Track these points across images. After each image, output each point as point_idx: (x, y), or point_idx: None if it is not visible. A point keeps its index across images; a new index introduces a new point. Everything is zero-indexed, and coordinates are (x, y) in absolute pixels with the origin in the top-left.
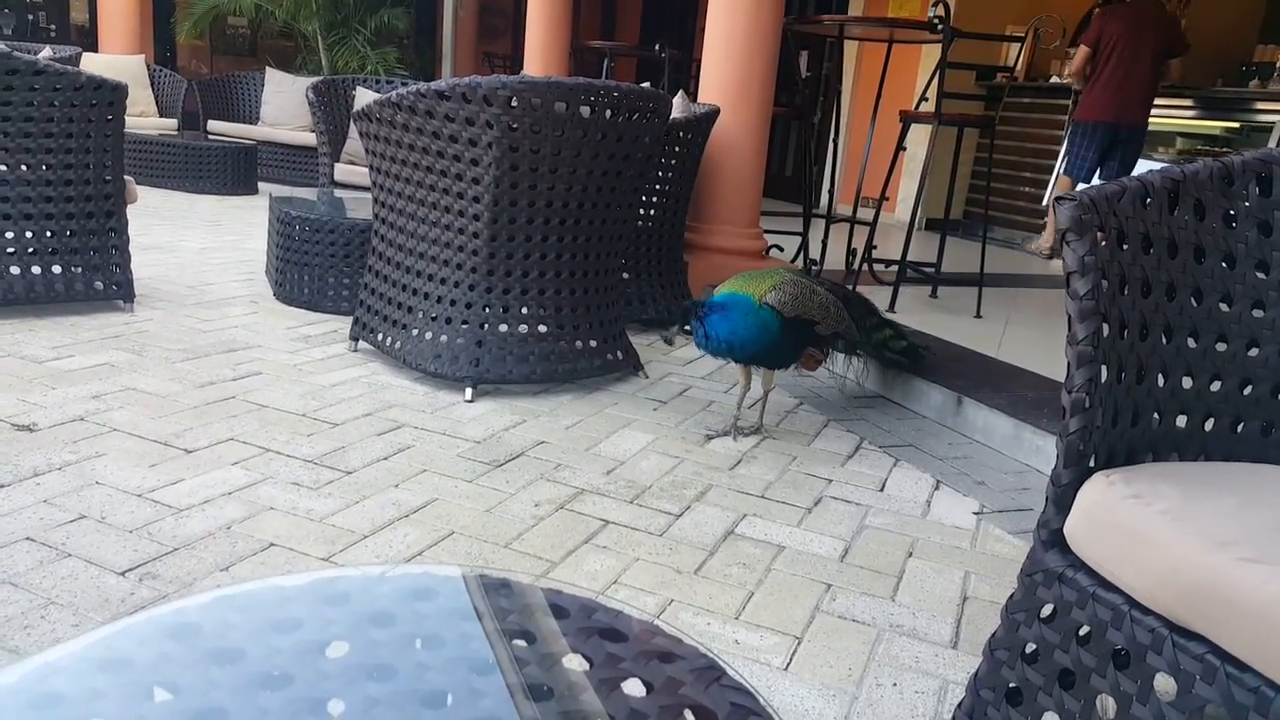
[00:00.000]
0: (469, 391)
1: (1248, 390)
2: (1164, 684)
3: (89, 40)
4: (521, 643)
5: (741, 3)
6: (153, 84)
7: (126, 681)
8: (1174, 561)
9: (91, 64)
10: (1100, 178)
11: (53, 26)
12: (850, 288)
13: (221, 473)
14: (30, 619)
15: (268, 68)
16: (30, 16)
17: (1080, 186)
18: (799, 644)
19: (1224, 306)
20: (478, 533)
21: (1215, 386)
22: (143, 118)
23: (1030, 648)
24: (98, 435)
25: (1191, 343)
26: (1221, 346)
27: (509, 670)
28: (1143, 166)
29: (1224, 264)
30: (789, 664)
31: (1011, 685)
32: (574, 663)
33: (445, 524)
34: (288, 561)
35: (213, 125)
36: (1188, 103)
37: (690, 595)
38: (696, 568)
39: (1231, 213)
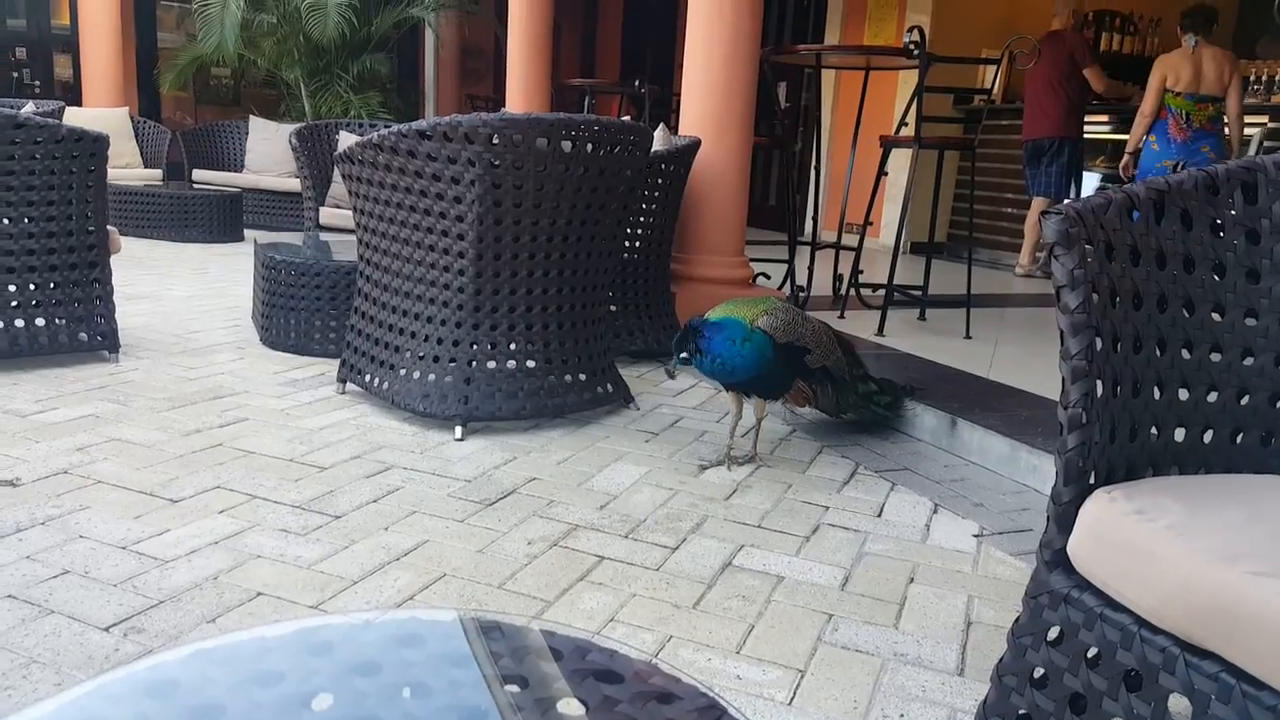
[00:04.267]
0: (458, 430)
1: (1245, 400)
2: (1178, 705)
3: (73, 95)
4: (514, 688)
5: (718, 36)
6: (137, 136)
7: None
8: (1182, 578)
9: (76, 117)
10: (1050, 184)
11: (37, 83)
12: (839, 316)
13: (208, 522)
14: (11, 679)
15: (251, 116)
16: (15, 74)
17: (1037, 199)
18: (802, 677)
19: (1216, 316)
20: (470, 574)
21: (1212, 397)
22: (128, 169)
23: (1039, 672)
24: (82, 488)
25: (1186, 354)
26: (1216, 357)
27: (502, 717)
28: (1090, 181)
29: (1214, 274)
30: (793, 698)
31: (1021, 712)
32: (570, 707)
33: (437, 566)
34: (276, 610)
35: (198, 174)
36: None
37: (690, 630)
38: (695, 602)
39: (1219, 222)
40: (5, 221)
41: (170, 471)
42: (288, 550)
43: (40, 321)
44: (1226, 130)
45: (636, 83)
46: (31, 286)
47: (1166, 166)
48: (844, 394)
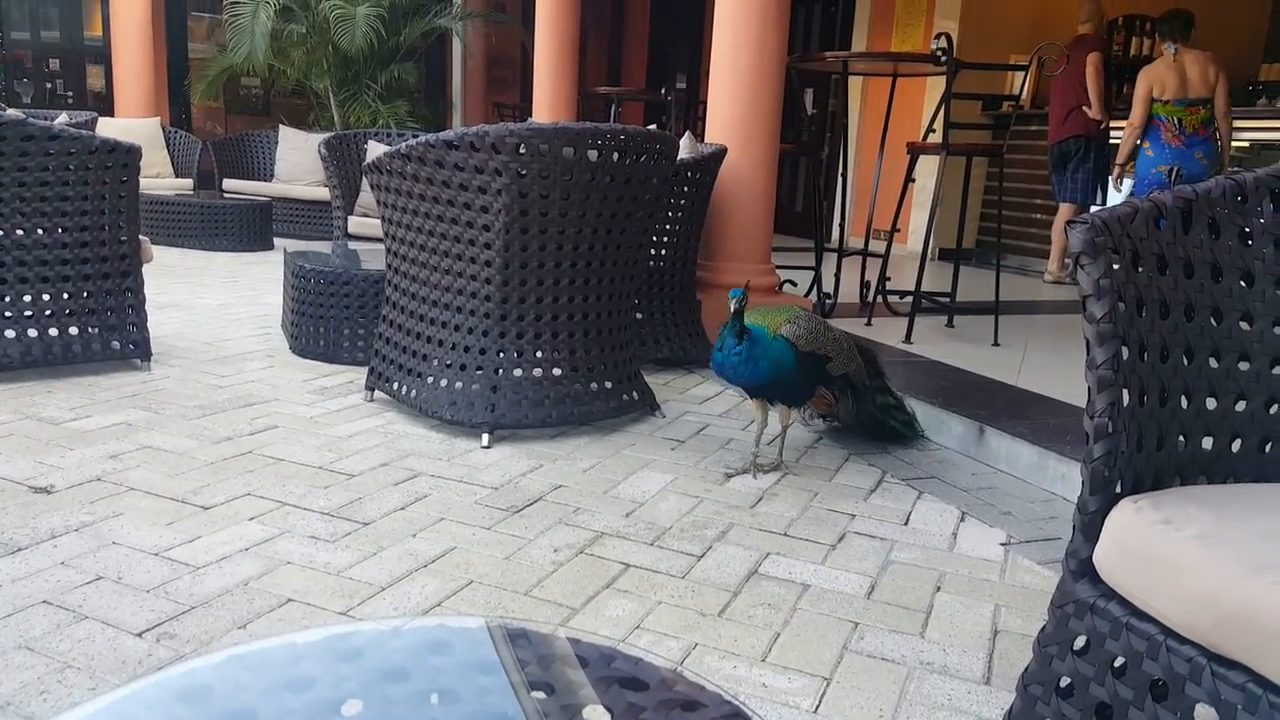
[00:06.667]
0: (485, 437)
1: (1274, 409)
2: (1205, 715)
3: (106, 106)
4: (540, 694)
5: (745, 43)
6: (168, 145)
7: None
8: (1209, 588)
9: (108, 128)
10: (1076, 190)
11: (70, 94)
12: (866, 323)
13: (239, 528)
14: (47, 684)
15: (281, 126)
16: (49, 85)
17: (1064, 205)
18: (828, 685)
19: (1245, 325)
20: (497, 581)
21: (1240, 406)
22: (159, 179)
23: (1065, 682)
24: (115, 495)
25: (1213, 363)
26: (1244, 366)
27: None
28: (1127, 185)
29: (1242, 282)
30: (818, 706)
31: None
32: (595, 714)
33: (464, 573)
34: (305, 617)
35: (228, 184)
36: None
37: (715, 638)
38: (720, 610)
39: (1247, 230)
40: (40, 232)
41: (201, 479)
42: (317, 557)
43: (74, 330)
44: (1218, 135)
45: (663, 90)
46: (65, 296)
47: (1162, 173)
48: (863, 403)
